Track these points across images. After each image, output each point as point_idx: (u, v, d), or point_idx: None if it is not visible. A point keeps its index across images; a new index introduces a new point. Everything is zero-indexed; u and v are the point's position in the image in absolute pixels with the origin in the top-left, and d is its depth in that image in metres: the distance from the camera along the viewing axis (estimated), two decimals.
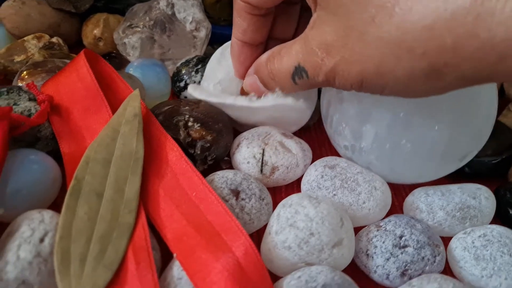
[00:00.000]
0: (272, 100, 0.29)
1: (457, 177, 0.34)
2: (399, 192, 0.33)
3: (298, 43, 0.26)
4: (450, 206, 0.30)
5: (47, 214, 0.23)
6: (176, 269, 0.23)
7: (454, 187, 0.31)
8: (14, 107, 0.29)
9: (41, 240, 0.22)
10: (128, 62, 0.38)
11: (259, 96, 0.31)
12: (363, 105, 0.30)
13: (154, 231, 0.25)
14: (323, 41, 0.23)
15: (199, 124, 0.31)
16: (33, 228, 0.22)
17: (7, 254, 0.21)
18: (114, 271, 0.21)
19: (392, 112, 0.29)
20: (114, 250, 0.22)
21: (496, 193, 0.33)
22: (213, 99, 0.32)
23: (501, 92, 0.45)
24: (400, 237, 0.27)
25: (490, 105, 0.30)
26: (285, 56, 0.27)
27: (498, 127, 0.40)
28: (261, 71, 0.29)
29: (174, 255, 0.23)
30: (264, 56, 0.29)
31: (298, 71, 0.26)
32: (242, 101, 0.31)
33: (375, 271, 0.26)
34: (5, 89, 0.31)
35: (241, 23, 0.29)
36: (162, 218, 0.25)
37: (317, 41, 0.24)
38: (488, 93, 0.30)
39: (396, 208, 0.32)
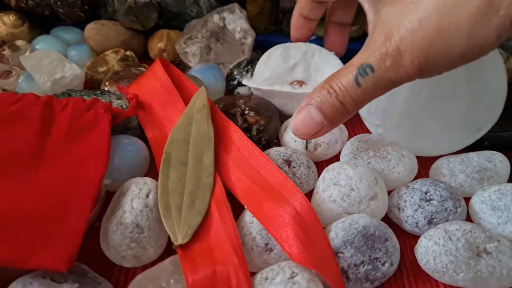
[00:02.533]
0: (311, 87, 0.36)
1: (477, 150, 0.39)
2: (425, 164, 0.39)
3: (358, 54, 0.27)
4: (469, 169, 0.35)
5: (147, 179, 0.31)
6: (248, 216, 0.29)
7: (472, 154, 0.36)
8: None
9: (147, 195, 0.29)
10: (189, 68, 0.46)
11: (311, 134, 0.30)
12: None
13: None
14: (383, 32, 0.25)
15: (253, 112, 0.38)
16: (140, 188, 0.29)
17: (124, 205, 0.28)
18: (203, 215, 0.28)
19: (416, 93, 0.35)
20: (201, 202, 0.29)
21: None
22: (263, 87, 0.39)
23: None
24: (426, 193, 0.32)
25: (499, 82, 0.35)
26: (345, 68, 0.27)
27: None
28: (317, 92, 0.28)
29: (245, 206, 0.30)
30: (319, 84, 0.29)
31: (361, 70, 0.26)
32: (287, 88, 0.37)
33: (406, 221, 0.32)
34: (99, 91, 0.39)
35: (301, 1, 0.38)
36: (232, 181, 0.32)
37: (378, 38, 0.26)
38: (496, 73, 0.35)
39: (423, 177, 0.38)
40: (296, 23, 0.41)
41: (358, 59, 0.27)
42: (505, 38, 0.24)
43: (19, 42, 0.47)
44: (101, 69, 0.45)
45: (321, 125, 0.29)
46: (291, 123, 0.30)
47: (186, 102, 0.36)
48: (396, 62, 0.25)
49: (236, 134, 0.35)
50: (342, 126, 0.39)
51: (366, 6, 0.29)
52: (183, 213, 0.28)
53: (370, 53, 0.26)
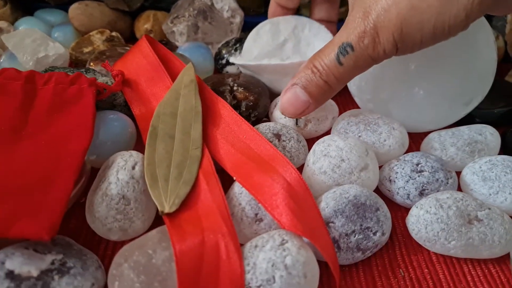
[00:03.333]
0: (299, 57, 0.35)
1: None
2: (416, 139, 0.39)
3: (339, 32, 0.28)
4: (460, 142, 0.35)
5: (134, 152, 0.30)
6: (237, 187, 0.29)
7: (462, 127, 0.36)
8: None
9: (133, 167, 0.28)
10: (176, 47, 0.45)
11: (298, 113, 0.32)
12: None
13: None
14: (361, 10, 0.26)
15: (242, 88, 0.37)
16: (126, 160, 0.29)
17: (109, 177, 0.28)
18: (191, 186, 0.27)
19: (405, 65, 0.34)
20: (189, 172, 0.28)
21: (504, 134, 0.37)
22: (251, 62, 0.38)
23: (507, 56, 0.49)
24: (417, 164, 0.32)
25: (489, 54, 0.35)
26: (327, 48, 0.29)
27: (506, 85, 0.45)
28: (302, 72, 0.30)
29: (234, 178, 0.29)
30: (304, 63, 0.30)
31: (342, 49, 0.27)
32: (275, 61, 0.37)
33: (398, 193, 0.32)
34: (83, 69, 0.38)
35: None
36: (221, 154, 0.31)
37: (356, 16, 0.27)
38: (486, 44, 0.34)
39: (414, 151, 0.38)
40: (273, 13, 0.41)
41: (338, 38, 0.28)
42: (475, 19, 0.25)
43: (1, 23, 0.46)
44: (86, 50, 0.44)
45: (307, 104, 0.30)
46: (278, 103, 0.31)
47: (174, 79, 0.35)
48: (374, 39, 0.26)
49: (225, 110, 0.34)
50: (332, 102, 0.39)
51: None
52: (170, 184, 0.27)
53: (350, 31, 0.27)
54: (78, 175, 0.27)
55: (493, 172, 0.32)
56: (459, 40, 0.33)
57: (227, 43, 0.44)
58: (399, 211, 0.32)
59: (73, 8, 0.46)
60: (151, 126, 0.31)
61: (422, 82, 0.34)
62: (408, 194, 0.31)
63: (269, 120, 0.39)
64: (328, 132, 0.38)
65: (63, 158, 0.28)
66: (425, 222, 0.28)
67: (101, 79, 0.36)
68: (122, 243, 0.28)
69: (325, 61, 0.29)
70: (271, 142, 0.33)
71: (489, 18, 0.54)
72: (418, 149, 0.38)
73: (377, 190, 0.33)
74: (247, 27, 0.51)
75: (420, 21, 0.25)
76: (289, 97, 0.31)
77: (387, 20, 0.26)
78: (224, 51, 0.43)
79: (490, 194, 0.31)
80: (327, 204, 0.28)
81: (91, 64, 0.42)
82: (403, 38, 0.26)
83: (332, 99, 0.40)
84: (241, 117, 0.33)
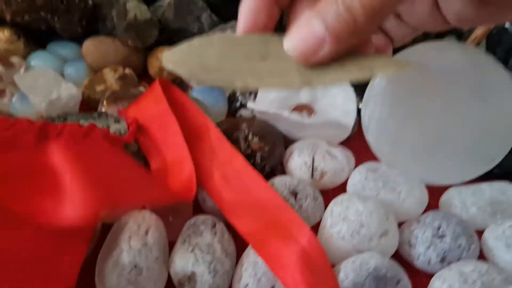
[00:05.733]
0: (320, 118, 0.34)
1: (487, 178, 0.37)
2: (435, 194, 0.37)
3: None
4: (482, 202, 0.33)
5: (146, 213, 0.29)
6: (253, 256, 0.28)
7: (484, 185, 0.35)
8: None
9: (146, 232, 0.28)
10: (190, 88, 0.44)
11: (308, 52, 0.19)
12: (400, 114, 0.34)
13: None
14: None
15: (257, 137, 0.36)
16: (139, 224, 0.28)
17: (121, 243, 0.27)
18: None
19: (427, 120, 0.33)
20: None
21: None
22: (271, 111, 0.37)
23: None
24: (438, 228, 0.31)
25: None
26: None
27: None
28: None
29: (250, 245, 0.28)
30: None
31: None
32: (295, 117, 0.36)
33: (418, 258, 0.31)
34: (96, 114, 0.37)
35: None
36: (236, 216, 0.30)
37: None
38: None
39: (433, 207, 0.36)
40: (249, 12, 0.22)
41: None
42: None
43: (14, 59, 0.46)
44: (99, 88, 0.43)
45: (322, 39, 0.20)
46: (293, 148, 0.26)
47: (188, 124, 0.35)
48: None
49: (240, 165, 0.33)
50: (349, 153, 0.38)
51: None
52: None
53: None
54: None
55: None
56: (483, 94, 0.32)
57: None
58: (418, 276, 0.31)
59: (87, 45, 0.46)
60: None
61: (445, 138, 0.33)
62: (429, 261, 0.30)
63: (283, 169, 0.38)
64: (344, 184, 0.37)
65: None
66: None
67: (113, 127, 0.35)
68: None
69: None
70: (287, 200, 0.32)
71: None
72: (436, 204, 0.37)
73: (396, 253, 0.32)
74: None
75: None
76: (301, 28, 0.20)
77: None
78: (238, 93, 0.43)
79: None
80: (346, 275, 0.27)
81: (104, 103, 0.41)
82: None
83: (348, 148, 0.39)
84: (258, 173, 0.32)
